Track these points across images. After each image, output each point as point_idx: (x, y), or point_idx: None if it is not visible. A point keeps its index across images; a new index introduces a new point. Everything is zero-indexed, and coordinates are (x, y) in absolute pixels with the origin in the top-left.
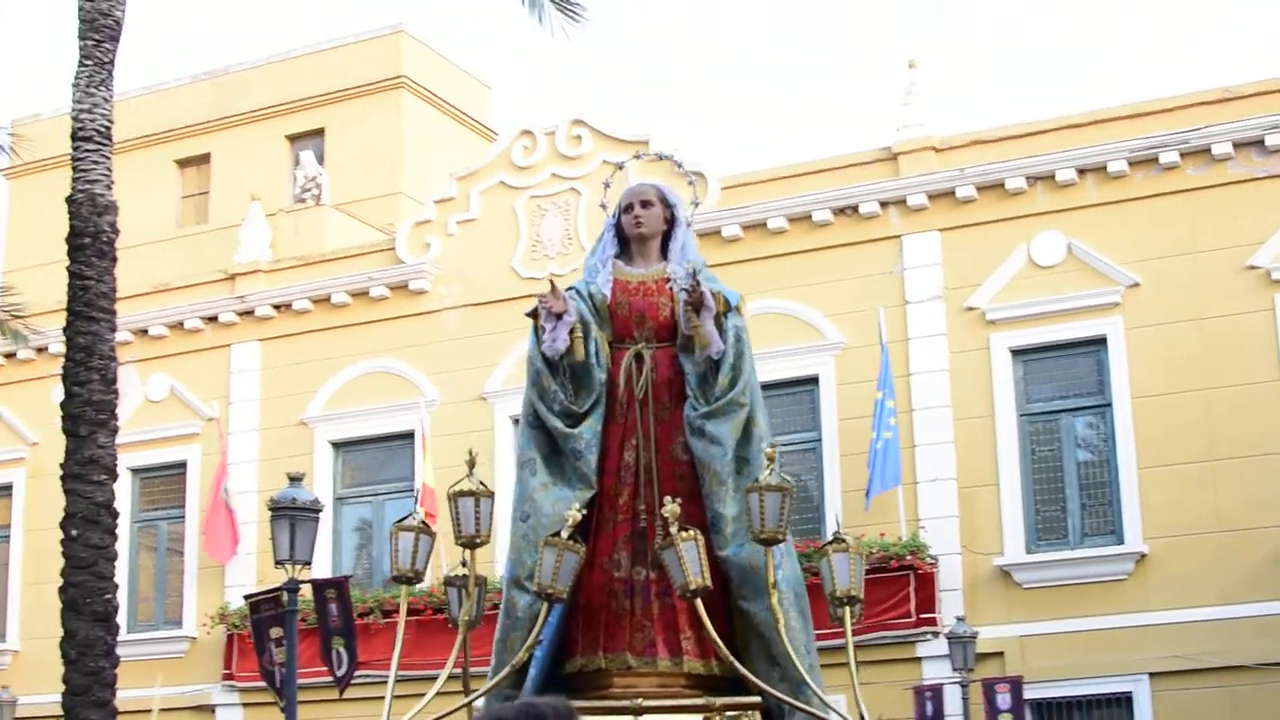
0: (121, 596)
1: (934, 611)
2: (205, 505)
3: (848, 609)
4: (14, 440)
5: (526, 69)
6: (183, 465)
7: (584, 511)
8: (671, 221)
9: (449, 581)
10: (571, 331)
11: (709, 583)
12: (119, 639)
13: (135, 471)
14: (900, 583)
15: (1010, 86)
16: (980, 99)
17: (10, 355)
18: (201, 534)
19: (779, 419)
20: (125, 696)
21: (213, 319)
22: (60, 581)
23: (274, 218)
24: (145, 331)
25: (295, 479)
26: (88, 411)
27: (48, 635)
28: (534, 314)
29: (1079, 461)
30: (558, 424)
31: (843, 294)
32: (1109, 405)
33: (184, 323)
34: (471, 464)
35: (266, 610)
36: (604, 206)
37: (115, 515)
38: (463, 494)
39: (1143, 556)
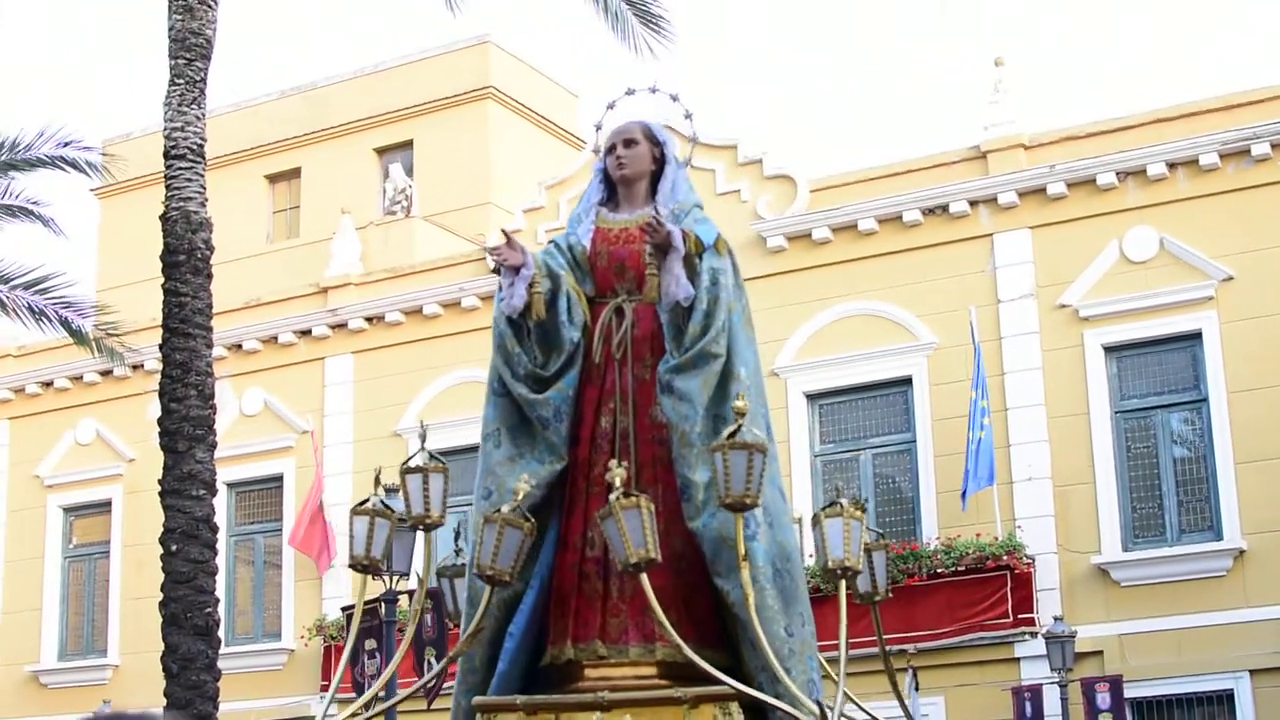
0: (220, 610)
1: (1032, 611)
2: (299, 514)
3: (843, 582)
4: (112, 457)
5: (614, 76)
6: (278, 479)
7: (533, 483)
8: (662, 161)
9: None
10: (531, 286)
11: (655, 555)
12: (219, 652)
13: (231, 486)
14: (997, 583)
15: (1098, 81)
16: (1068, 95)
17: (106, 373)
18: (293, 545)
19: (873, 421)
20: (226, 709)
21: (306, 332)
22: (160, 596)
23: (364, 230)
24: (239, 346)
25: (391, 490)
26: (185, 427)
27: (148, 650)
28: (499, 271)
29: (1175, 458)
30: (523, 390)
31: (935, 294)
32: (1205, 400)
33: (277, 337)
34: (423, 437)
35: (364, 622)
36: (597, 151)
37: (215, 530)
38: (410, 470)
39: (1241, 552)
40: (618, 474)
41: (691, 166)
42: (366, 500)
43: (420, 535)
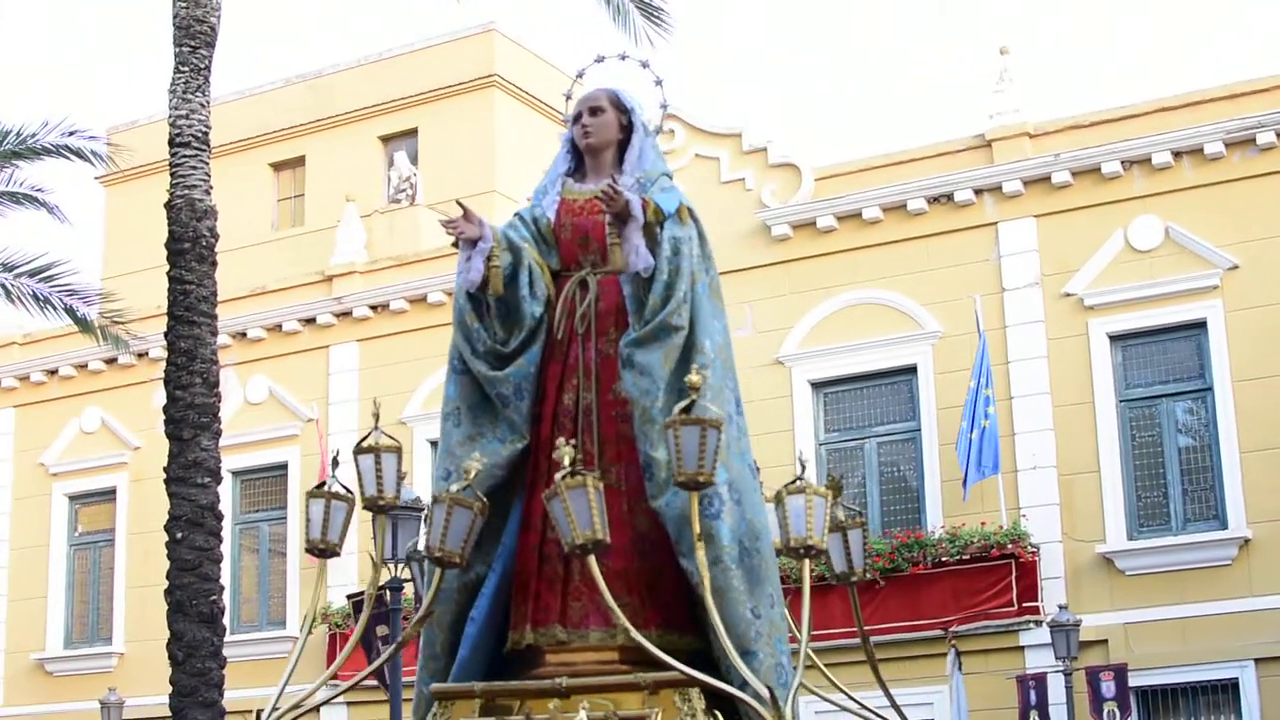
0: (225, 598)
1: (1036, 600)
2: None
3: (807, 563)
4: (116, 445)
5: (618, 65)
6: (283, 467)
7: (485, 462)
8: (630, 129)
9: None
10: (489, 260)
11: (603, 536)
12: (224, 640)
13: (236, 474)
14: (1002, 571)
15: (1103, 69)
16: (1073, 83)
17: (111, 361)
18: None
19: (878, 409)
20: (231, 697)
21: (310, 321)
22: (165, 584)
23: (369, 219)
24: (244, 334)
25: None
26: (190, 415)
27: (153, 637)
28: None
29: (1180, 447)
30: (482, 367)
31: (939, 283)
32: (1209, 389)
33: (282, 325)
34: (376, 415)
35: (374, 609)
36: (567, 122)
37: (220, 517)
38: (362, 450)
39: (1246, 541)
40: (565, 452)
41: (696, 156)
42: (323, 484)
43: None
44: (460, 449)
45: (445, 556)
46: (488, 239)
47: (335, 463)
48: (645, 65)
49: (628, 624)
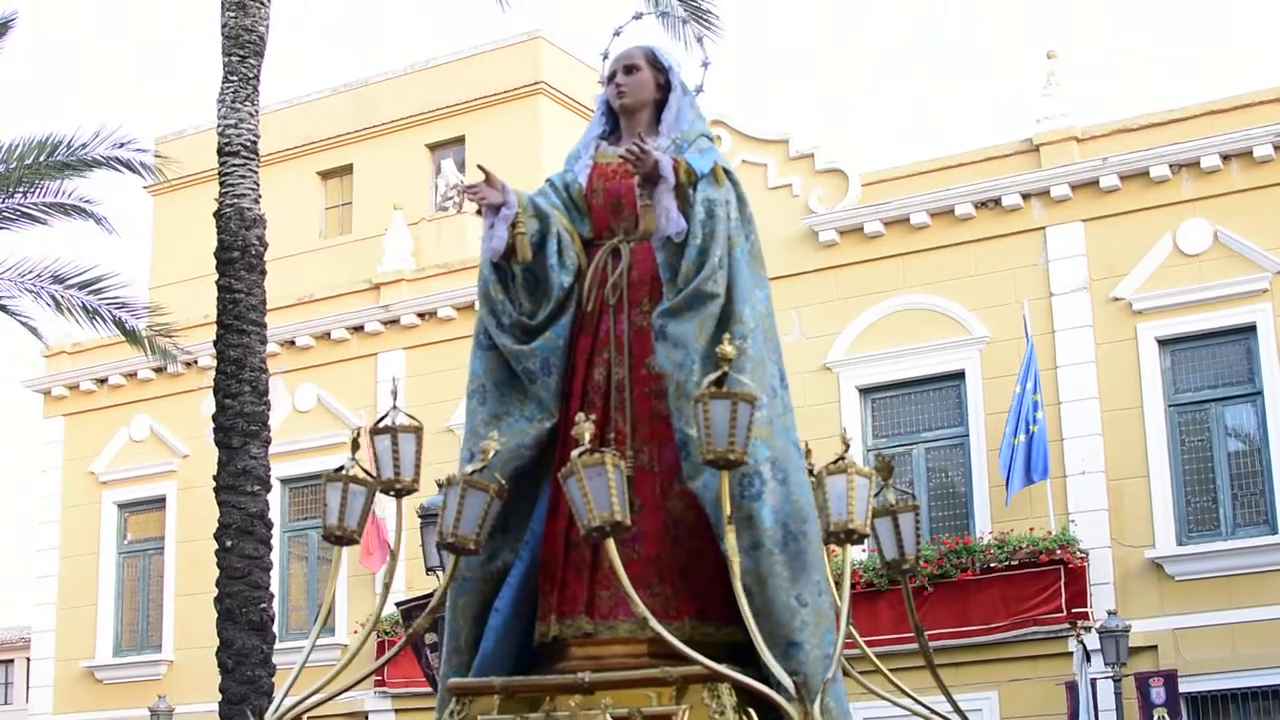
0: (274, 606)
1: (1085, 606)
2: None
3: (848, 549)
4: (165, 453)
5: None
6: None
7: (504, 441)
8: (667, 89)
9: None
10: (514, 227)
11: (623, 518)
12: (274, 648)
13: (284, 481)
14: (1051, 577)
15: (1151, 73)
16: (1121, 87)
17: (160, 370)
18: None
19: (925, 415)
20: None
21: (358, 328)
22: (215, 592)
23: (416, 226)
24: (292, 342)
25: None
26: (240, 423)
27: (203, 645)
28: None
29: (1230, 451)
30: (507, 341)
31: (987, 288)
32: (1259, 393)
33: (330, 333)
34: (394, 394)
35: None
36: (601, 82)
37: (269, 525)
38: (378, 431)
39: None
40: (585, 429)
41: (743, 162)
42: (341, 467)
43: (402, 503)
44: (485, 428)
45: (459, 542)
46: (512, 205)
47: (355, 445)
48: (685, 22)
49: (647, 613)
